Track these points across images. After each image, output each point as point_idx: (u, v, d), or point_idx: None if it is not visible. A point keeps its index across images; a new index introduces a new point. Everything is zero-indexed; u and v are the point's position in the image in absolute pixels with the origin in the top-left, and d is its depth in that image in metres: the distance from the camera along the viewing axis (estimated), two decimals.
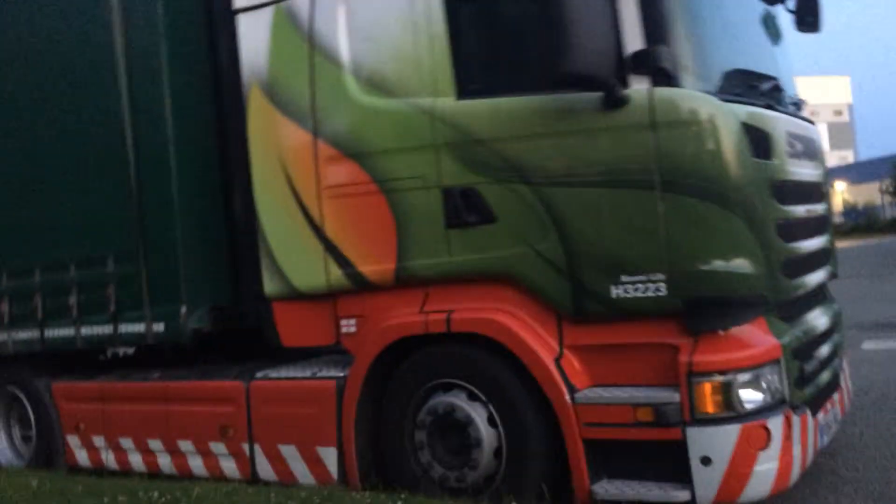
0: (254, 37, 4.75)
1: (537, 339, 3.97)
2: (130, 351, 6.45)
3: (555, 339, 3.99)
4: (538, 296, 4.01)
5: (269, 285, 4.79)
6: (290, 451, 4.73)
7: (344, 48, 4.47)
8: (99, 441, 5.64)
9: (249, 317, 5.29)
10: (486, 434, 4.09)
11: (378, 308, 4.47)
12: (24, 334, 5.99)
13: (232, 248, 5.27)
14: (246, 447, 4.91)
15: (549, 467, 3.98)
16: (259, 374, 4.96)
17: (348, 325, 4.61)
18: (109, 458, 5.58)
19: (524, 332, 3.99)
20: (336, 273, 4.55)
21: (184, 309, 5.14)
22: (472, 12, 4.19)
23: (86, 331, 5.64)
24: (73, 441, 5.79)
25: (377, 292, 4.48)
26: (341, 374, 4.58)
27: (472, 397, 4.16)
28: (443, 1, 4.17)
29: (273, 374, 4.94)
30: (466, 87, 4.14)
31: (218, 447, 5.04)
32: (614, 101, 3.70)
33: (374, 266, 4.43)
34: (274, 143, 4.72)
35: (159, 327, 5.28)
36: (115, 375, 5.79)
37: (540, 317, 4.02)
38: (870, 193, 51.71)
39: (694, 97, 3.70)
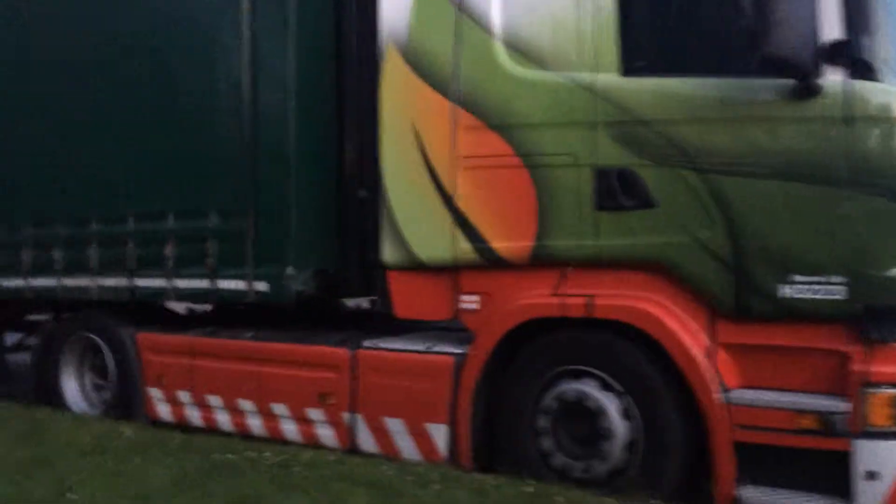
0: None
1: (688, 333, 3.82)
2: (208, 307, 6.33)
3: (706, 335, 3.83)
4: (693, 288, 3.85)
5: (389, 254, 4.65)
6: (395, 425, 4.59)
7: (496, 15, 4.29)
8: (184, 396, 5.50)
9: (354, 283, 5.19)
10: (620, 426, 3.95)
11: (506, 286, 4.32)
12: (111, 282, 5.83)
13: (340, 213, 5.14)
14: (346, 416, 4.78)
15: (686, 466, 3.84)
16: (367, 344, 4.82)
17: (470, 302, 4.46)
18: (194, 415, 5.45)
19: (675, 323, 3.84)
20: (464, 247, 4.40)
21: (290, 270, 5.01)
22: None
23: (181, 283, 5.50)
24: (154, 394, 5.66)
25: (506, 270, 4.32)
26: (459, 351, 4.44)
27: (605, 387, 4.02)
28: None
29: (383, 344, 4.80)
30: (633, 64, 3.96)
31: (315, 414, 4.91)
32: (808, 91, 3.53)
33: (509, 243, 4.28)
34: (408, 107, 4.55)
35: (262, 286, 5.14)
36: (205, 331, 5.65)
37: (690, 309, 3.86)
38: None
39: (895, 93, 3.53)
